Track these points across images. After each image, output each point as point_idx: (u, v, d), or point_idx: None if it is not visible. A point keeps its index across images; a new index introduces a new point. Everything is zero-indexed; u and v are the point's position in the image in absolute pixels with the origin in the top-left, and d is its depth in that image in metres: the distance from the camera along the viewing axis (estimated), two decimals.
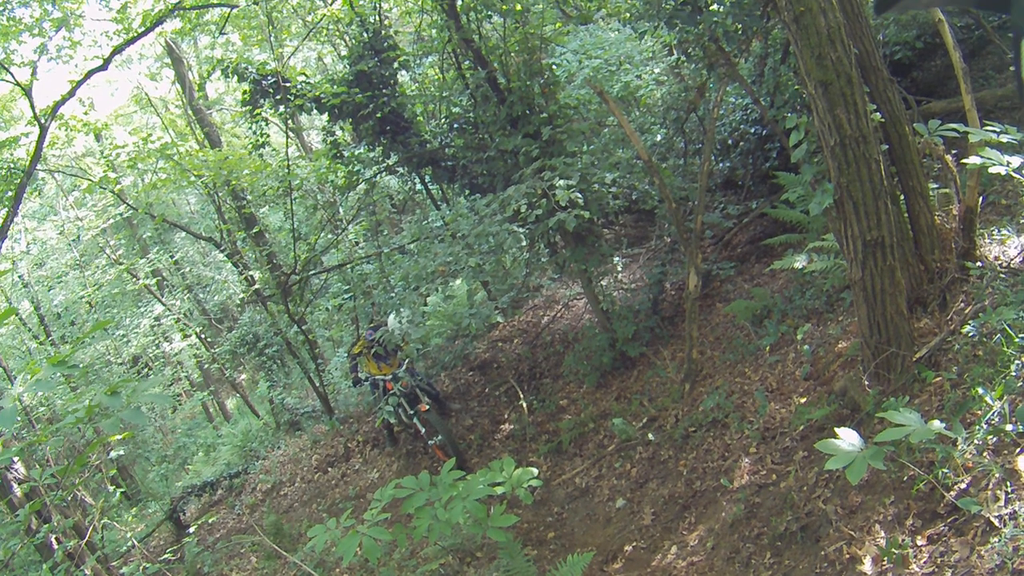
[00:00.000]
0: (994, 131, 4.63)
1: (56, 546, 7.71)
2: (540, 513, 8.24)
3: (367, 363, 10.65)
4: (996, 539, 3.90)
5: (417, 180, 12.56)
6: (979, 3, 1.79)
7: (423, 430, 9.96)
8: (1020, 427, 4.23)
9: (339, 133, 11.85)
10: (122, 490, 12.09)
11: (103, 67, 9.35)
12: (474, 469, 8.07)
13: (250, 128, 11.66)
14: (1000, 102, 8.10)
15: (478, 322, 11.19)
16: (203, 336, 19.64)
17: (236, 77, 10.68)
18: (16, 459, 7.95)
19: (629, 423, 8.36)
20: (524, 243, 9.70)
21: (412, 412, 9.98)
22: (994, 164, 4.54)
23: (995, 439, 4.35)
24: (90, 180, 13.64)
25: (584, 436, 8.99)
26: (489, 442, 10.16)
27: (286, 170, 11.97)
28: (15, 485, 7.96)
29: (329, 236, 14.13)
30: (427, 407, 9.79)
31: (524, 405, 10.02)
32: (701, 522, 6.48)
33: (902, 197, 5.90)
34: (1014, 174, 4.51)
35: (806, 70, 4.93)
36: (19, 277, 18.29)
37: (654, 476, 7.55)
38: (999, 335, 4.87)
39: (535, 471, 6.27)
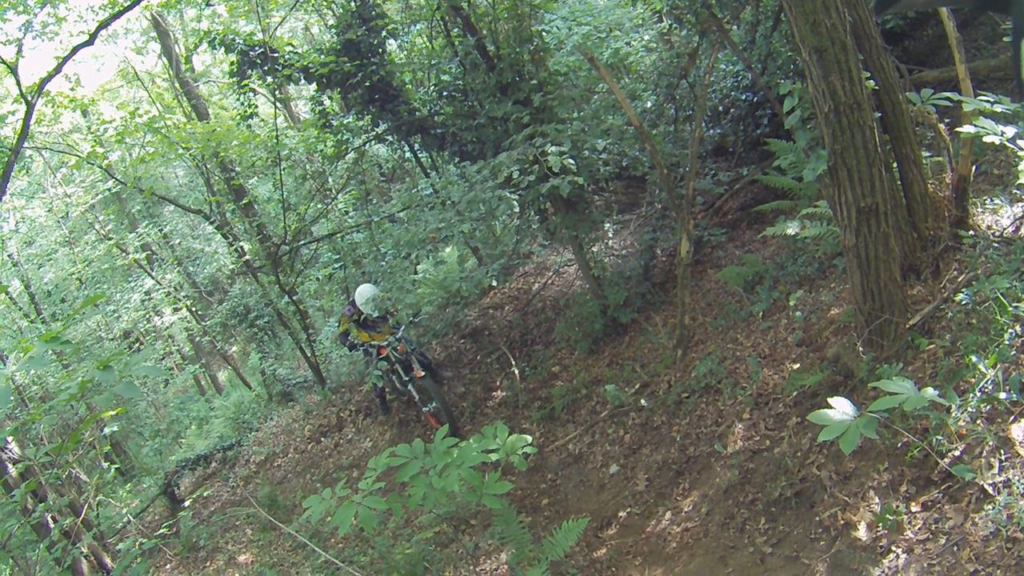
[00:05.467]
0: (988, 101, 4.62)
1: (52, 525, 7.72)
2: (534, 480, 8.28)
3: (357, 333, 10.62)
4: (990, 506, 3.94)
5: (406, 148, 12.51)
6: (979, 3, 1.77)
7: (417, 397, 9.97)
8: (1013, 395, 4.26)
9: (327, 102, 11.77)
10: (116, 466, 12.07)
11: (89, 42, 9.22)
12: (467, 436, 8.08)
13: (238, 99, 11.57)
14: (993, 72, 8.06)
15: (470, 286, 11.18)
16: (194, 309, 19.60)
17: (223, 49, 10.59)
18: (10, 439, 7.94)
19: (621, 389, 8.38)
20: (516, 209, 9.69)
21: (407, 379, 9.98)
22: (988, 133, 4.53)
23: (988, 407, 4.38)
24: (78, 156, 13.52)
25: (577, 402, 9.02)
26: (481, 409, 10.19)
27: (275, 140, 11.89)
28: (10, 465, 7.96)
29: (319, 206, 14.08)
30: (422, 374, 9.79)
31: (516, 372, 10.04)
32: (695, 488, 6.52)
33: (895, 165, 5.89)
34: (1007, 144, 4.51)
35: (800, 37, 4.90)
36: (8, 256, 18.16)
37: (647, 442, 7.58)
38: (992, 303, 4.89)
39: (529, 438, 6.29)
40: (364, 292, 10.05)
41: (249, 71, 10.67)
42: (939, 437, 4.44)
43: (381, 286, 10.04)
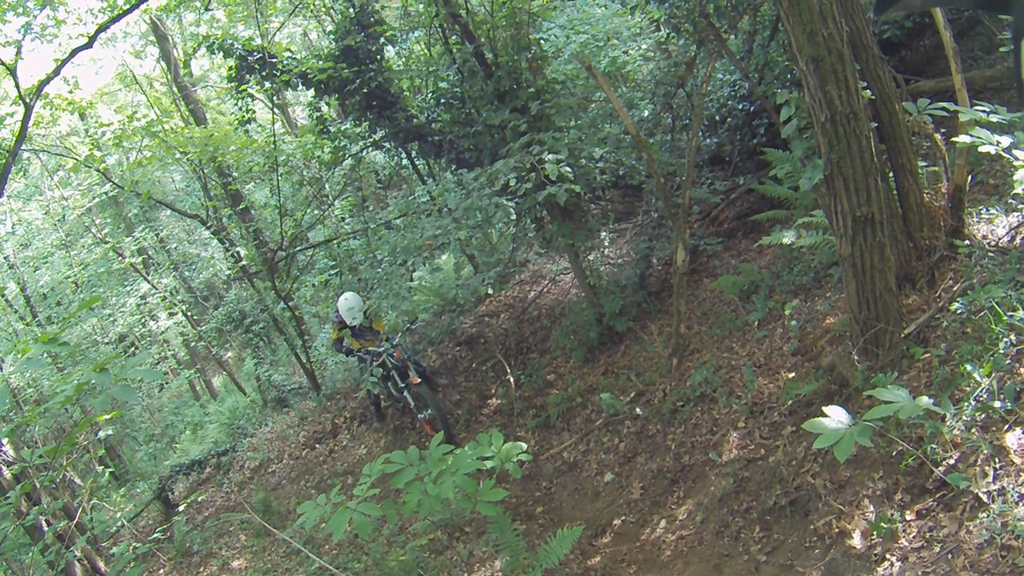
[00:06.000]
0: (984, 111, 4.63)
1: (46, 528, 7.69)
2: (528, 488, 8.27)
3: (350, 341, 10.61)
4: (984, 514, 3.94)
5: (403, 155, 12.53)
6: (979, 3, 1.78)
7: (413, 404, 9.95)
8: (1008, 404, 4.27)
9: (325, 109, 11.78)
10: (110, 470, 12.07)
11: (88, 45, 9.24)
12: (462, 444, 8.08)
13: (236, 104, 11.58)
14: (989, 82, 8.09)
15: (466, 293, 11.18)
16: (189, 314, 19.58)
17: (221, 53, 10.60)
18: (5, 441, 7.92)
19: (617, 397, 8.38)
20: (512, 217, 9.68)
21: (403, 385, 9.96)
22: (984, 143, 4.55)
23: (983, 415, 4.39)
24: (75, 159, 13.55)
25: (572, 411, 9.02)
26: (476, 417, 10.18)
27: (272, 146, 11.91)
28: (4, 468, 7.93)
29: (315, 212, 14.09)
30: (418, 380, 9.76)
31: (511, 380, 10.02)
32: (690, 496, 6.52)
33: (891, 175, 5.91)
34: (1003, 153, 4.52)
35: (797, 46, 4.92)
36: (4, 258, 18.15)
37: (642, 450, 7.58)
38: (987, 312, 4.90)
39: (524, 445, 6.27)
40: (346, 302, 10.04)
41: (247, 76, 10.68)
42: (934, 446, 4.44)
43: (377, 293, 10.02)
